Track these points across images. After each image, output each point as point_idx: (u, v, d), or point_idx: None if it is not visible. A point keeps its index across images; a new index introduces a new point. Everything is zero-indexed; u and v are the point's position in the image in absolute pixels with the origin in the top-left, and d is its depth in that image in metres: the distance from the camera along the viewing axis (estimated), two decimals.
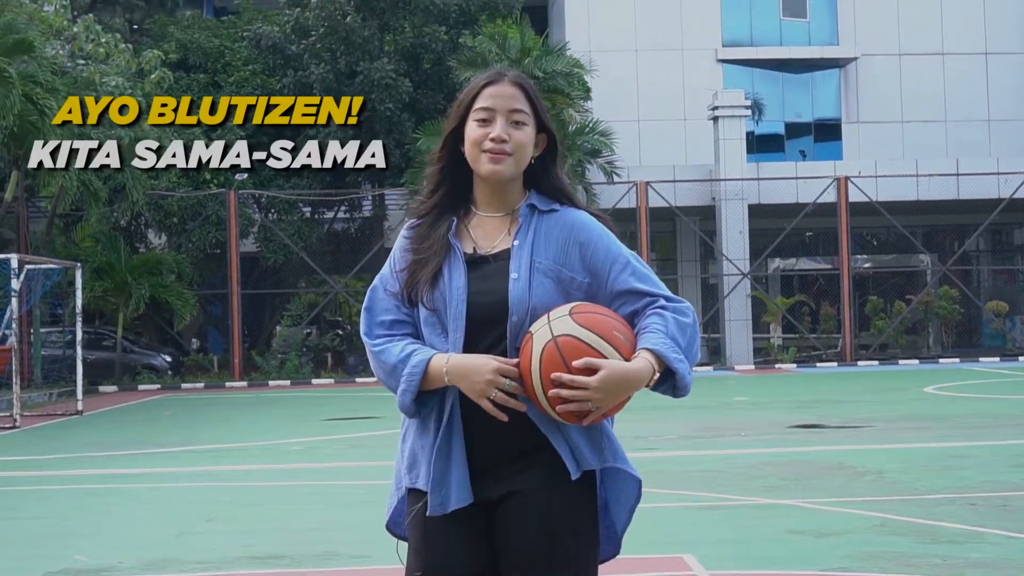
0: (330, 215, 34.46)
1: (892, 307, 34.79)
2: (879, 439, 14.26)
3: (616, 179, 32.08)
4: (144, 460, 14.31)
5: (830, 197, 32.68)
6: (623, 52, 36.33)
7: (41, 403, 24.73)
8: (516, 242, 3.03)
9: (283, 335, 32.01)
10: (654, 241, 34.15)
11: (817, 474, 11.37)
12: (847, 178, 32.61)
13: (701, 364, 32.63)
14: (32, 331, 27.74)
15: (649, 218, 32.28)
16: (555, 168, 3.15)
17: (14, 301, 20.95)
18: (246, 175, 32.63)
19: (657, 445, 14.34)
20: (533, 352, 2.87)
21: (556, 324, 2.88)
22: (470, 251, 3.06)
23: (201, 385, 29.59)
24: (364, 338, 3.10)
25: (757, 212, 33.79)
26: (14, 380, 20.17)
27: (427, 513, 2.95)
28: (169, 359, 32.24)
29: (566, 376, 2.82)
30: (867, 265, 39.61)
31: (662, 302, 3.02)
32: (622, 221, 34.04)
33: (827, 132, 38.65)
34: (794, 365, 31.89)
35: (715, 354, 34.09)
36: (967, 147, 37.14)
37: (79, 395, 22.09)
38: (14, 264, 20.58)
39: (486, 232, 3.09)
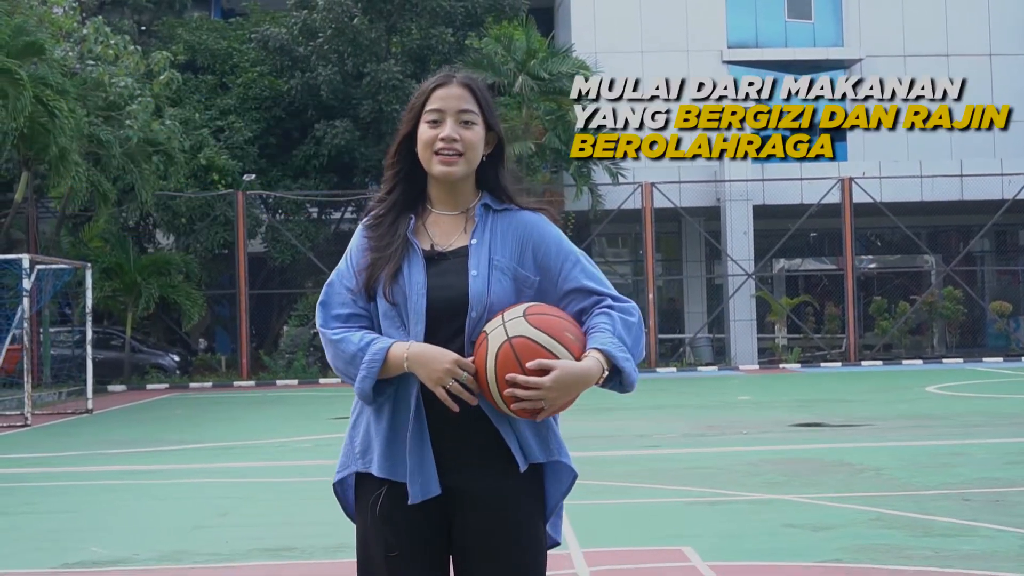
0: (337, 215, 34.68)
1: (896, 307, 34.94)
2: (879, 437, 14.47)
3: (621, 180, 32.30)
4: (155, 457, 14.56)
5: (834, 198, 32.87)
6: (629, 53, 36.49)
7: (51, 402, 24.97)
8: (474, 240, 3.18)
9: (290, 335, 32.22)
10: (659, 242, 34.39)
11: (816, 471, 11.58)
12: (851, 179, 32.80)
13: (706, 364, 32.86)
14: (42, 331, 28.00)
15: (654, 219, 32.49)
16: (503, 168, 3.31)
17: (25, 301, 21.19)
18: (254, 176, 32.90)
19: (660, 443, 14.55)
20: (488, 352, 3.01)
21: (511, 325, 3.02)
22: (428, 247, 3.20)
23: (209, 384, 29.83)
24: (321, 330, 3.23)
25: (762, 213, 34.00)
26: (25, 379, 20.41)
27: (409, 501, 3.09)
28: (177, 359, 32.47)
29: (520, 377, 2.97)
30: (871, 266, 39.77)
31: (609, 301, 3.17)
32: (627, 222, 34.32)
33: (833, 133, 38.76)
34: (798, 365, 32.07)
35: (720, 354, 34.29)
36: (971, 148, 37.25)
37: (89, 394, 22.31)
38: (25, 264, 20.81)
39: (443, 230, 3.24)
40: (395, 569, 3.13)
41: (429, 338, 3.11)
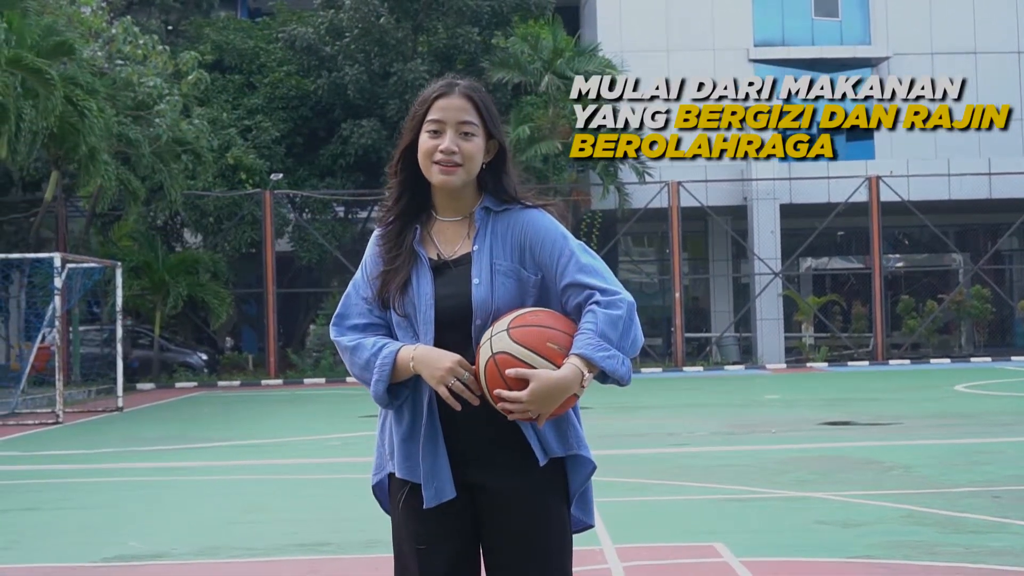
0: (363, 215, 34.80)
1: (924, 306, 34.85)
2: (908, 435, 14.46)
3: (648, 179, 32.30)
4: (187, 454, 14.68)
5: (862, 197, 32.80)
6: (655, 52, 36.48)
7: (81, 400, 25.15)
8: (475, 247, 3.26)
9: (317, 333, 32.35)
10: (686, 241, 34.38)
11: (845, 468, 11.59)
12: (879, 177, 32.72)
13: (733, 363, 32.83)
14: (71, 329, 28.19)
15: (681, 218, 32.49)
16: (505, 173, 3.35)
17: (57, 299, 21.34)
18: (281, 175, 33.04)
19: (688, 441, 14.58)
20: (480, 367, 3.13)
21: (496, 340, 3.12)
22: (434, 257, 3.29)
23: (237, 383, 29.99)
24: (337, 339, 3.35)
25: (789, 212, 33.95)
26: (57, 377, 20.57)
27: (424, 506, 3.20)
28: (205, 357, 32.67)
29: (504, 392, 3.08)
30: (899, 264, 39.65)
31: (597, 296, 3.18)
32: (654, 221, 34.32)
33: (859, 131, 38.66)
34: (825, 364, 32.02)
35: (747, 353, 34.27)
36: (999, 146, 37.08)
37: (119, 391, 22.46)
38: (57, 263, 20.94)
39: (447, 238, 3.32)
40: (425, 561, 3.24)
41: (438, 346, 3.21)
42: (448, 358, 3.14)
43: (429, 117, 3.27)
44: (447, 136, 3.24)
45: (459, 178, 3.26)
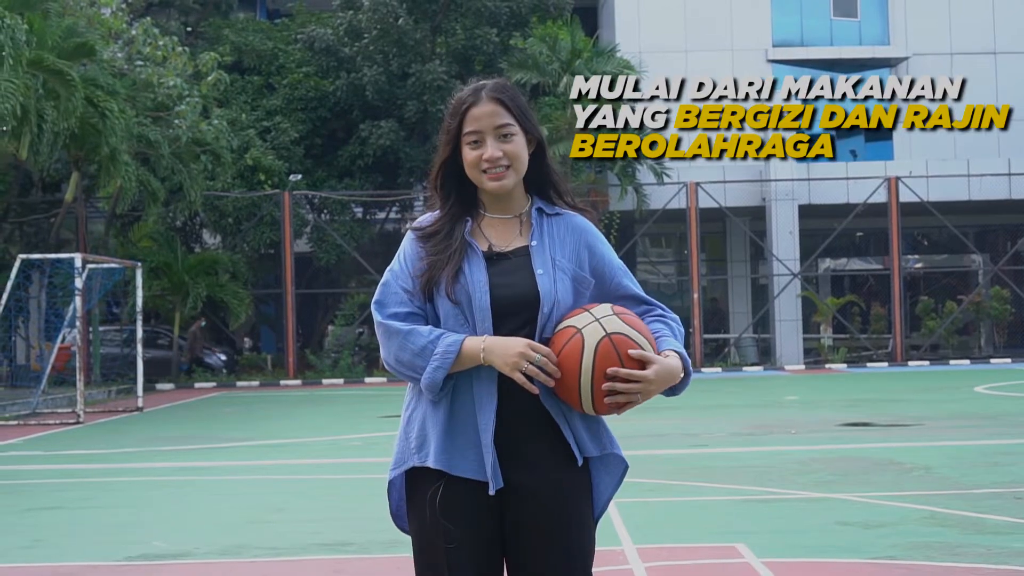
0: (382, 215, 34.86)
1: (943, 307, 34.75)
2: (928, 436, 14.44)
3: (666, 180, 32.29)
4: (208, 454, 14.74)
5: (881, 197, 32.74)
6: (673, 53, 36.46)
7: (101, 400, 25.26)
8: (534, 242, 3.31)
9: (336, 334, 32.43)
10: (704, 242, 34.34)
11: (866, 470, 11.59)
12: (898, 178, 32.65)
13: (751, 364, 32.80)
14: (92, 330, 28.31)
15: (699, 218, 32.47)
16: (549, 169, 3.41)
17: (77, 300, 21.45)
18: (300, 176, 33.12)
19: (708, 442, 14.58)
20: (585, 347, 3.14)
21: (606, 322, 3.17)
22: (486, 248, 3.32)
23: (256, 383, 30.08)
24: (387, 322, 3.29)
25: (807, 212, 33.89)
26: (78, 377, 20.67)
27: (489, 492, 3.21)
28: (224, 358, 32.80)
29: (623, 370, 3.13)
30: (918, 265, 39.54)
31: (660, 311, 3.39)
32: (672, 222, 34.30)
33: (878, 132, 38.58)
34: (844, 365, 31.96)
35: (765, 354, 34.22)
36: (1019, 146, 36.96)
37: (139, 391, 22.55)
38: (78, 263, 21.05)
39: (498, 232, 3.36)
40: (454, 559, 3.23)
41: (495, 334, 3.23)
42: (518, 342, 3.16)
43: (465, 130, 3.30)
44: (488, 144, 3.28)
45: (510, 180, 3.31)
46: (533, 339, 3.21)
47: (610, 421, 3.37)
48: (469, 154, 3.29)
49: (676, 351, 3.25)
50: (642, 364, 3.15)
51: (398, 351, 3.28)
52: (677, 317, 3.41)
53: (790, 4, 37.89)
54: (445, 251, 3.29)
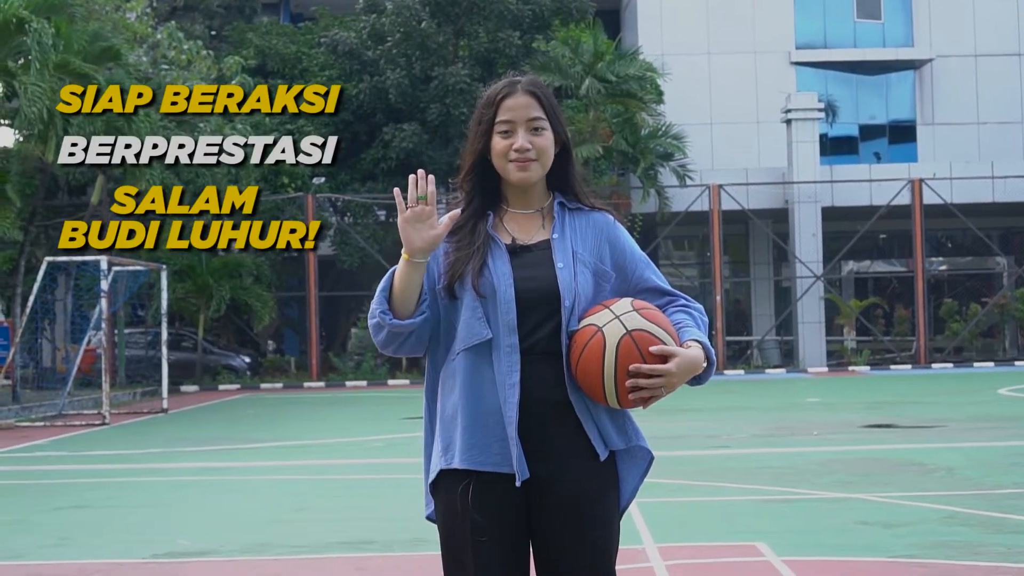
0: None
1: (967, 310, 34.64)
2: (951, 438, 14.42)
3: (689, 182, 32.32)
4: (232, 454, 14.84)
5: (904, 199, 32.64)
6: (696, 55, 36.47)
7: (126, 401, 25.43)
8: (556, 235, 3.36)
9: (359, 336, 32.51)
10: (727, 244, 34.31)
11: (888, 470, 11.60)
12: (922, 180, 32.55)
13: (774, 366, 32.77)
14: (117, 332, 28.49)
15: (722, 221, 32.45)
16: (572, 168, 3.46)
17: (103, 302, 21.60)
18: (323, 179, 33.24)
19: (729, 443, 14.60)
20: (607, 345, 3.18)
21: (626, 319, 3.20)
22: (509, 242, 3.37)
23: (280, 385, 30.21)
24: (372, 307, 3.34)
25: (830, 215, 33.84)
26: (104, 379, 20.82)
27: (516, 483, 3.24)
28: (248, 360, 32.94)
29: (645, 366, 3.17)
30: (942, 268, 39.42)
31: (683, 302, 3.42)
32: (695, 224, 34.29)
33: (902, 134, 38.51)
34: (867, 367, 31.89)
35: (788, 356, 34.17)
36: None
37: (164, 393, 22.69)
38: (103, 266, 21.21)
39: (521, 227, 3.41)
40: (483, 554, 3.27)
41: (519, 327, 3.26)
42: (404, 216, 3.26)
43: (499, 119, 3.35)
44: (519, 135, 3.33)
45: (535, 173, 3.36)
46: (559, 332, 3.25)
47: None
48: (499, 143, 3.34)
49: (698, 340, 3.28)
50: (664, 358, 3.19)
51: (372, 326, 3.34)
52: (701, 307, 3.43)
53: (813, 6, 37.85)
54: (470, 246, 3.34)
